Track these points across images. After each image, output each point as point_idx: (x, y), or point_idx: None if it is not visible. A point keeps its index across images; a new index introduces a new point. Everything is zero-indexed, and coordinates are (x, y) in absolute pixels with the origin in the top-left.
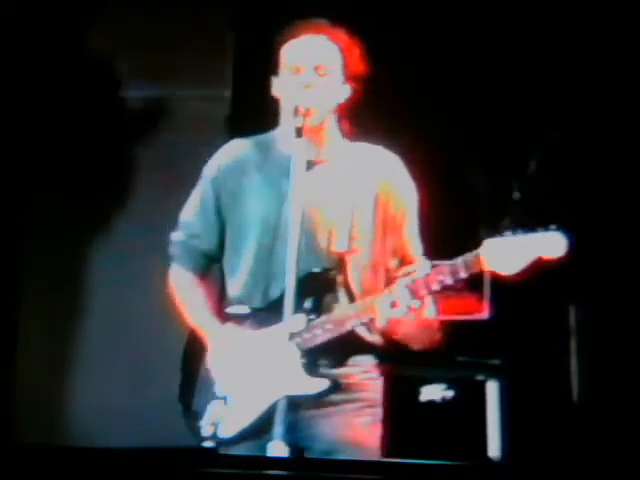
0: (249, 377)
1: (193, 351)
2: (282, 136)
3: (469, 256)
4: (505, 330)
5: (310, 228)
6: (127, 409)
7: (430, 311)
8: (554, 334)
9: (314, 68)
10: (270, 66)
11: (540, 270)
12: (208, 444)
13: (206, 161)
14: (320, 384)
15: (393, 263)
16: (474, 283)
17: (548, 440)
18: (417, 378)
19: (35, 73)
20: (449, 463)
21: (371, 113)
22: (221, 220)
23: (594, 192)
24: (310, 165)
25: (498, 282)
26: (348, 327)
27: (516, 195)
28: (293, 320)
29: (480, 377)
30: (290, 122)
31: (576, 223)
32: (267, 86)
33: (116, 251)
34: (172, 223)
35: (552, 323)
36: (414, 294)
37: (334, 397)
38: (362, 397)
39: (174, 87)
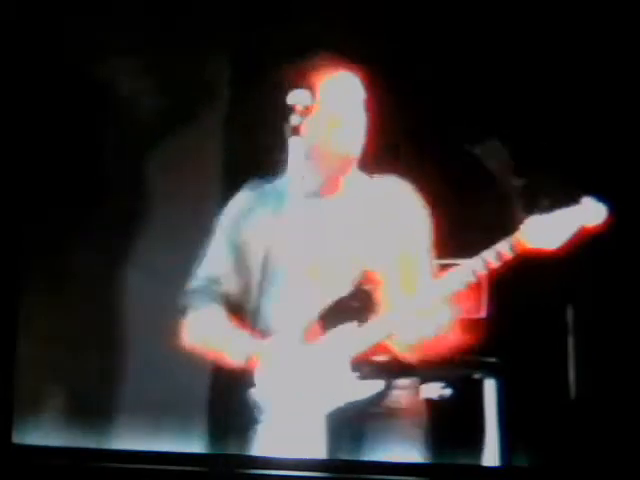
0: (302, 388)
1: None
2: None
3: (511, 238)
4: (503, 328)
5: (338, 260)
6: (129, 410)
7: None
8: (552, 332)
9: (353, 110)
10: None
11: (584, 241)
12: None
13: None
14: (375, 386)
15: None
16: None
17: (546, 438)
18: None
19: (40, 76)
20: (446, 462)
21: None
22: (242, 265)
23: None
24: (326, 195)
25: (496, 280)
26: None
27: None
28: (343, 327)
29: (477, 375)
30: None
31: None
32: (264, 92)
33: (117, 253)
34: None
35: (550, 321)
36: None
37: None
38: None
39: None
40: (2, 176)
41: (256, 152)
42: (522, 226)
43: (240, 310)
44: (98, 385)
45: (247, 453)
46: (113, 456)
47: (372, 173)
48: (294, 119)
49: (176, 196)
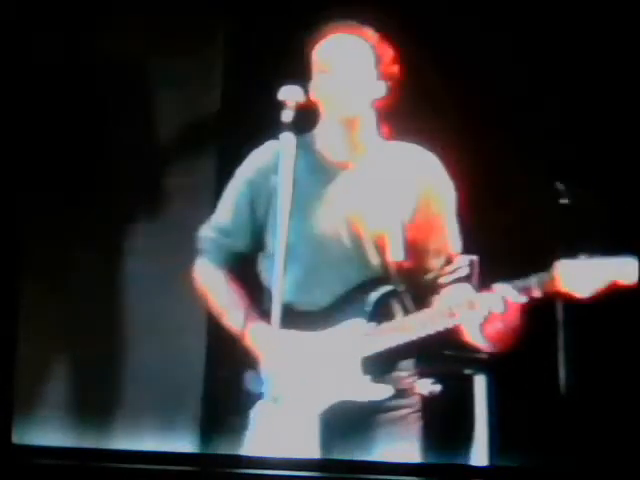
0: (303, 378)
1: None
2: (322, 138)
3: (544, 276)
4: None
5: (356, 236)
6: (128, 409)
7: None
8: (542, 327)
9: (345, 64)
10: (281, 68)
11: (611, 294)
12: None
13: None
14: (385, 390)
15: (438, 262)
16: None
17: (536, 434)
18: None
19: (39, 76)
20: (435, 458)
21: (412, 112)
22: (257, 222)
23: None
24: (343, 166)
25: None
26: (438, 328)
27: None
28: (353, 323)
29: (468, 371)
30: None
31: None
32: (257, 85)
33: (116, 251)
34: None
35: (540, 316)
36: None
37: (388, 403)
38: (411, 402)
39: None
40: (2, 175)
41: None
42: (556, 267)
43: (245, 269)
44: (98, 385)
45: (244, 453)
46: (113, 456)
47: (394, 139)
48: (285, 115)
49: (176, 195)
